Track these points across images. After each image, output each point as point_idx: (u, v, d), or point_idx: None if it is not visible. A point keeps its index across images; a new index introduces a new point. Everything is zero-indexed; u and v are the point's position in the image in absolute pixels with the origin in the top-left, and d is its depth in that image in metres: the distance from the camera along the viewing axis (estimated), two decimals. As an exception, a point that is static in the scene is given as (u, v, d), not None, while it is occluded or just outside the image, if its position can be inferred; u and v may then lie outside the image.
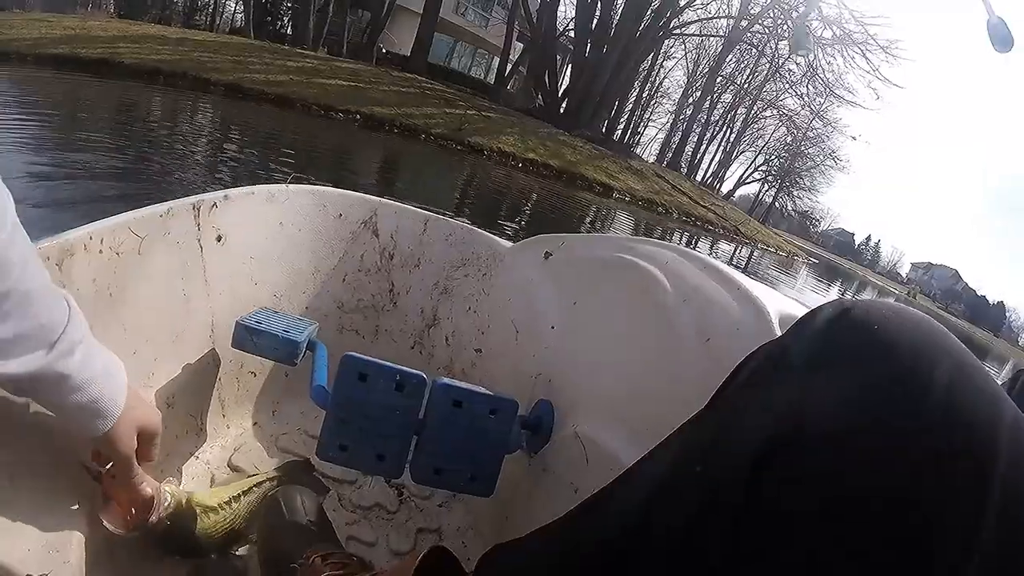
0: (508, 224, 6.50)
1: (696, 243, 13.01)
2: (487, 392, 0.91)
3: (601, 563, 0.47)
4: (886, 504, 0.35)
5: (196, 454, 1.07)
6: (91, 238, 0.82)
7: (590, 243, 1.16)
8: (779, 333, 0.61)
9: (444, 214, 1.40)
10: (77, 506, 0.73)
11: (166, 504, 0.78)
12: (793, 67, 29.12)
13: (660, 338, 0.80)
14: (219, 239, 1.09)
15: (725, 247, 16.24)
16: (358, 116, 12.75)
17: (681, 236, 14.03)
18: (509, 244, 1.36)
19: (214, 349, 1.11)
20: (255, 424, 1.21)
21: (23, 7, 21.57)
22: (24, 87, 7.57)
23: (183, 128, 6.94)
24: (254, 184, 1.20)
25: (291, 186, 1.23)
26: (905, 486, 0.35)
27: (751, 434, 0.41)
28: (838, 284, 25.07)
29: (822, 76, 25.53)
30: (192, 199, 1.04)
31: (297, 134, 8.93)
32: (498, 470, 0.92)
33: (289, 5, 27.66)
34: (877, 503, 0.35)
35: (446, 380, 0.90)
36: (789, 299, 0.74)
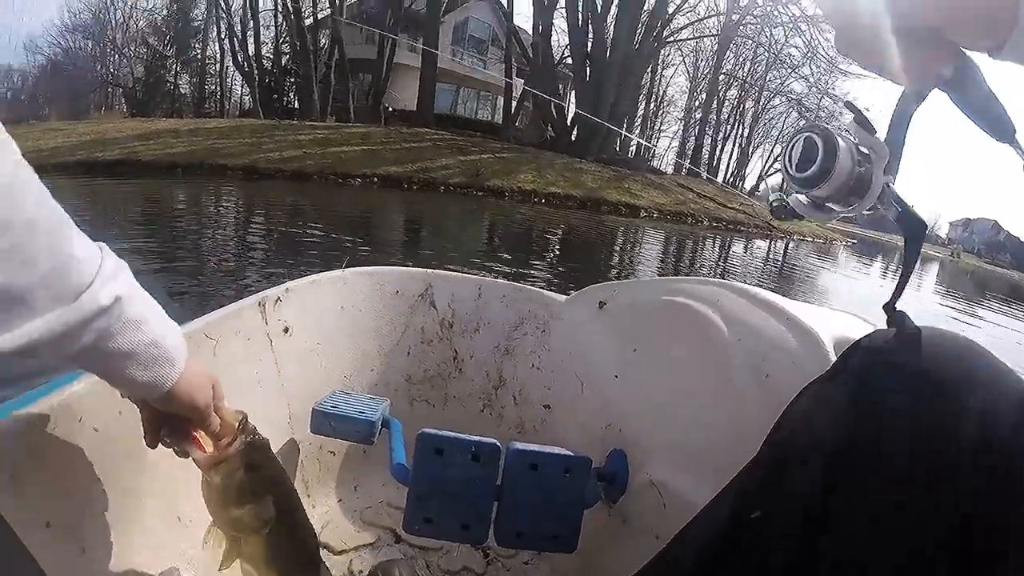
0: (539, 265, 6.53)
1: (730, 245, 12.86)
2: (560, 452, 0.94)
3: None
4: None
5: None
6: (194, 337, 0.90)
7: (640, 288, 1.19)
8: (834, 359, 0.62)
9: (492, 275, 1.45)
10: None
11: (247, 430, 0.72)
12: (793, 51, 28.96)
13: (719, 379, 0.82)
14: (286, 330, 1.16)
15: (762, 244, 16.03)
16: (375, 179, 13.03)
17: (714, 241, 13.92)
18: (562, 298, 1.39)
19: (292, 431, 1.17)
20: (339, 501, 1.25)
21: (39, 117, 22.60)
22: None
23: (211, 218, 7.14)
24: (298, 265, 1.27)
25: (347, 270, 1.30)
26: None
27: (800, 486, 0.44)
28: (879, 261, 24.55)
29: (823, 54, 25.32)
30: (257, 296, 1.12)
31: (317, 207, 9.11)
32: (579, 526, 0.94)
33: (293, 80, 28.50)
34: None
35: (519, 445, 0.93)
36: (840, 315, 0.76)
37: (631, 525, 0.92)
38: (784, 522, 0.43)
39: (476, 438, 0.91)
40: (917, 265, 0.54)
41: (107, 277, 0.49)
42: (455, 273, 1.44)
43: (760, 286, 0.94)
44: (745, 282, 1.00)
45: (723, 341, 0.84)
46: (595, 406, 1.17)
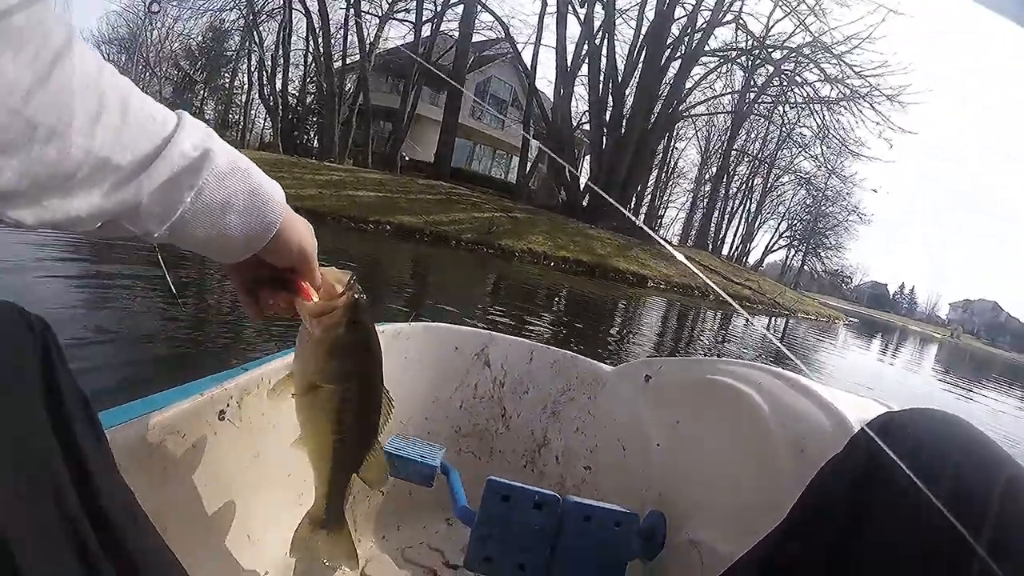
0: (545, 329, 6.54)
1: (729, 321, 12.93)
2: (612, 507, 1.04)
3: None
4: None
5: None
6: (262, 379, 1.01)
7: (686, 366, 1.29)
8: None
9: (546, 342, 1.55)
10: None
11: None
12: (805, 131, 29.57)
13: (759, 452, 0.90)
14: None
15: (763, 323, 16.06)
16: (388, 227, 13.11)
17: (715, 315, 13.98)
18: (609, 368, 1.50)
19: None
20: (383, 538, 1.33)
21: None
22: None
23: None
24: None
25: (413, 324, 1.41)
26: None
27: (823, 536, 0.53)
28: (879, 339, 24.67)
29: (834, 134, 25.85)
30: None
31: (328, 251, 9.13)
32: (623, 575, 1.04)
33: (315, 120, 29.03)
34: None
35: (575, 498, 1.03)
36: (865, 400, 0.86)
37: None
38: (809, 563, 0.53)
39: (539, 489, 1.02)
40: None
41: (190, 132, 0.48)
42: (511, 336, 1.55)
43: (791, 370, 1.02)
44: (769, 359, 1.10)
45: (763, 418, 0.92)
46: (635, 470, 1.25)
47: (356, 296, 0.69)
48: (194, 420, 0.85)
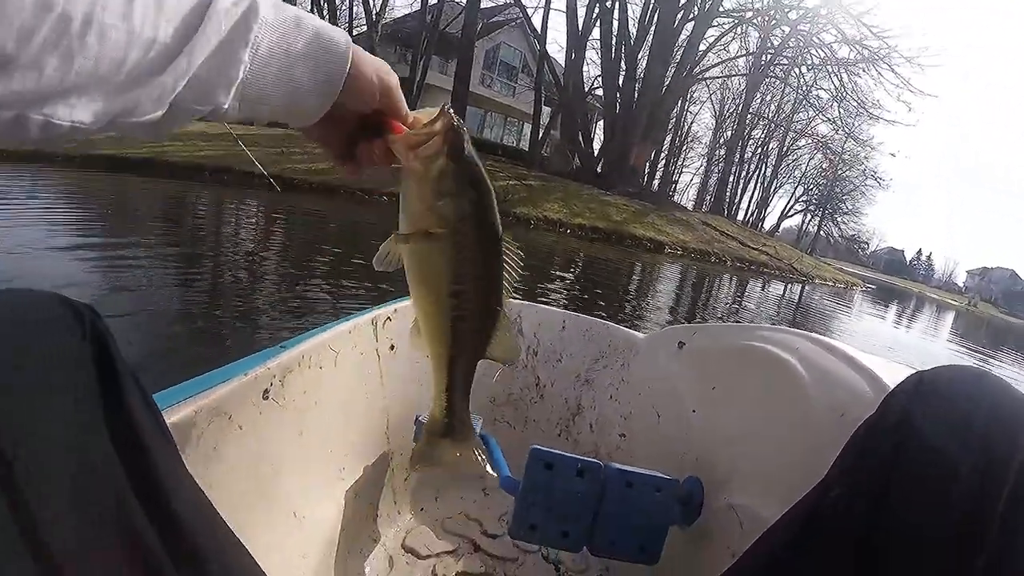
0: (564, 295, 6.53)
1: (747, 287, 12.87)
2: (653, 473, 1.03)
3: None
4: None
5: (374, 538, 1.21)
6: (304, 356, 1.01)
7: (720, 332, 1.28)
8: None
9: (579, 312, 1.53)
10: None
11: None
12: (821, 93, 28.94)
13: (800, 415, 0.89)
14: (392, 348, 1.27)
15: (776, 288, 15.99)
16: (403, 198, 13.07)
17: (731, 280, 13.92)
18: (642, 335, 1.49)
19: (389, 442, 1.27)
20: (422, 510, 1.34)
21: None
22: (85, 192, 7.79)
23: (265, 236, 7.16)
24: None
25: None
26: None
27: (852, 513, 0.52)
28: (895, 306, 24.55)
29: (853, 96, 25.26)
30: (371, 314, 1.23)
31: (342, 222, 9.09)
32: (663, 540, 1.03)
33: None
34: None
35: (617, 465, 1.03)
36: (900, 366, 0.84)
37: (707, 544, 0.99)
38: (848, 521, 0.51)
39: (581, 456, 1.01)
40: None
41: None
42: (543, 305, 1.53)
43: (827, 336, 1.01)
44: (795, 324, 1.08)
45: (802, 383, 0.92)
46: (671, 436, 1.25)
47: (453, 120, 0.61)
48: (240, 401, 0.84)
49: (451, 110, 0.62)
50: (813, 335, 1.03)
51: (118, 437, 0.47)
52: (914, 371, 0.59)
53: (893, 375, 0.78)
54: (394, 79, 0.60)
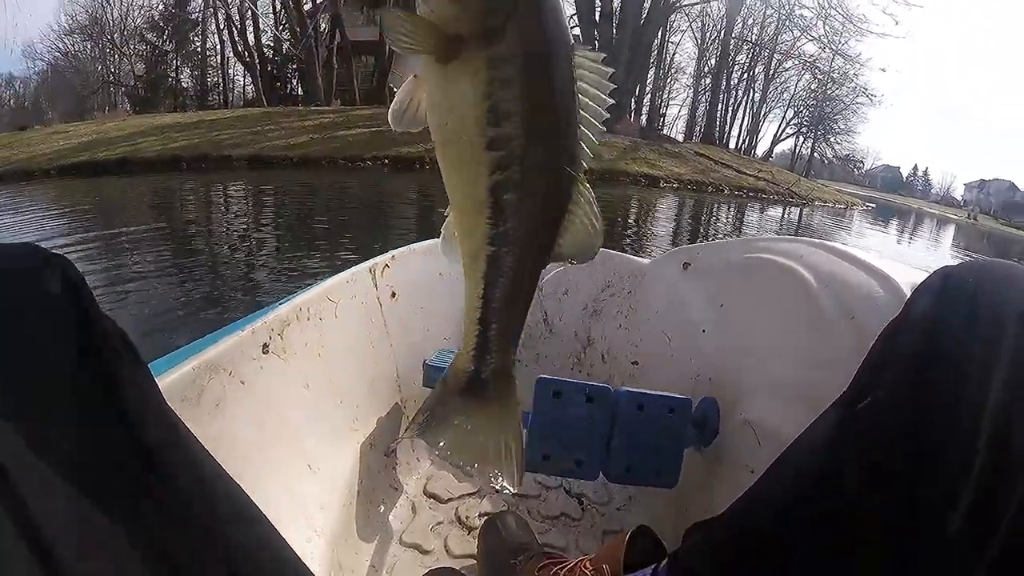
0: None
1: (745, 211, 12.81)
2: (664, 394, 1.01)
3: (756, 548, 0.56)
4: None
5: (395, 486, 1.20)
6: (301, 309, 0.99)
7: (723, 249, 1.25)
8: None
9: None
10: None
11: None
12: (805, 12, 28.21)
13: (811, 323, 0.87)
14: (393, 295, 1.25)
15: (774, 212, 15.95)
16: (386, 160, 12.94)
17: (730, 208, 13.86)
18: (646, 260, 1.47)
19: (400, 390, 1.25)
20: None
21: (42, 122, 22.71)
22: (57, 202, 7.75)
23: (234, 216, 7.12)
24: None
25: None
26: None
27: (887, 415, 0.49)
28: (895, 222, 24.54)
29: (839, 10, 24.62)
30: (368, 263, 1.21)
31: (329, 188, 8.98)
32: (680, 463, 1.02)
33: (295, 67, 28.37)
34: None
35: (627, 387, 1.01)
36: (909, 267, 0.81)
37: (726, 463, 0.97)
38: (885, 421, 0.49)
39: (589, 382, 1.00)
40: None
41: None
42: None
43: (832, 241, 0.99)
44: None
45: (810, 290, 0.89)
46: (683, 359, 1.22)
47: None
48: (239, 356, 0.83)
49: None
50: (817, 240, 1.00)
51: (99, 377, 0.44)
52: (934, 270, 0.56)
53: (904, 275, 0.77)
54: None
